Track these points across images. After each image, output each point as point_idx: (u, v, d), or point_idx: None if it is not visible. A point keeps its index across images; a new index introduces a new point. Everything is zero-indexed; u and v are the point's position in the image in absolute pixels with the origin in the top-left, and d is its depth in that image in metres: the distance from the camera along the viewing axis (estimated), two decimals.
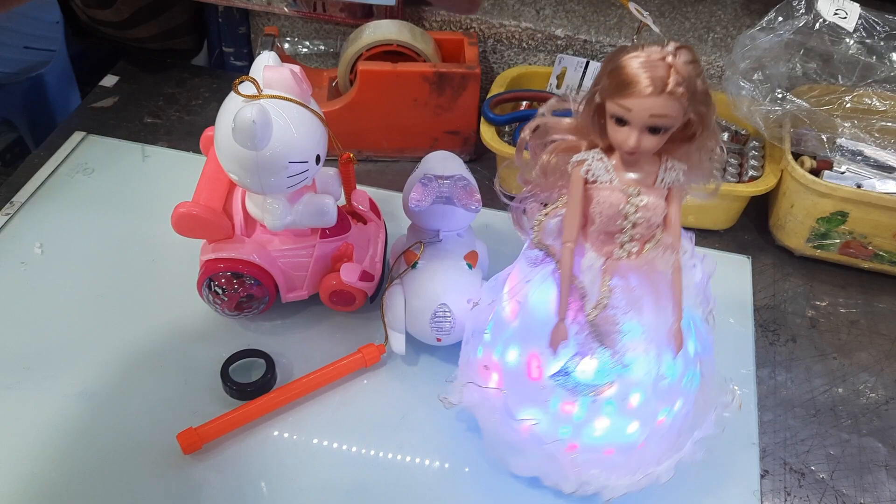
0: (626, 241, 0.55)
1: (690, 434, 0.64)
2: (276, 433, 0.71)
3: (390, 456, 0.70)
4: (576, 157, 0.55)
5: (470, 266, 0.70)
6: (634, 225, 0.54)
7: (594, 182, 0.54)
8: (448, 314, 0.70)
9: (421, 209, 0.67)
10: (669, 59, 0.48)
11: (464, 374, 0.66)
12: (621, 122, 0.51)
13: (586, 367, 0.58)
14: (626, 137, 0.51)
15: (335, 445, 0.70)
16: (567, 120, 0.56)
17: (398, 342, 0.73)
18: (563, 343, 0.57)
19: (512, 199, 0.63)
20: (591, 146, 0.55)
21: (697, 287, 0.59)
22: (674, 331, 0.57)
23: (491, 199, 0.92)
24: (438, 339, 0.72)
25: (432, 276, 0.70)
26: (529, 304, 0.59)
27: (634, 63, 0.48)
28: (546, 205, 0.59)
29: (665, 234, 0.56)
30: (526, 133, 0.58)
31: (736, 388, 0.66)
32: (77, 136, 0.97)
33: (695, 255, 0.59)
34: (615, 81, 0.49)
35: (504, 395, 0.63)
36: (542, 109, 0.57)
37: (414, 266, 0.70)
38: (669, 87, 0.48)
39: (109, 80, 1.06)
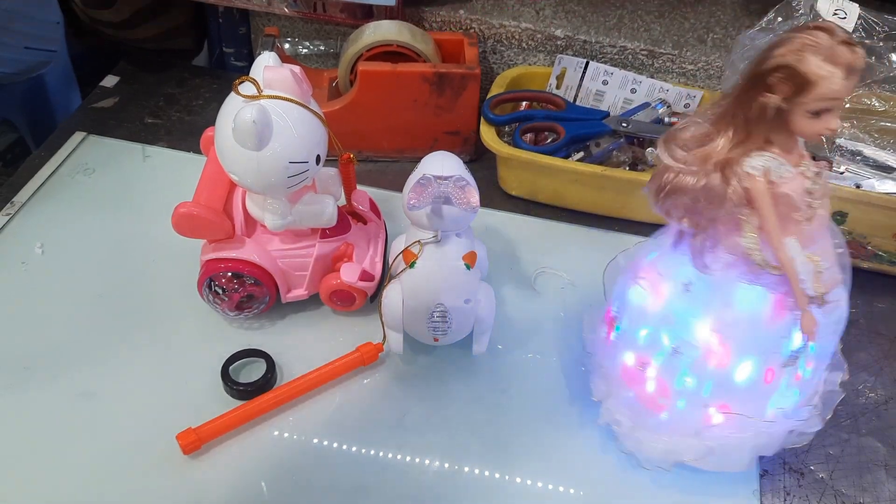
0: (812, 209, 0.57)
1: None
2: (276, 433, 0.71)
3: (390, 456, 0.70)
4: (748, 169, 0.55)
5: (468, 266, 0.70)
6: (813, 192, 0.56)
7: (775, 181, 0.55)
8: (445, 314, 0.70)
9: (418, 209, 0.67)
10: (839, 40, 0.50)
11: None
12: (818, 113, 0.52)
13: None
14: (828, 123, 0.52)
15: (335, 445, 0.70)
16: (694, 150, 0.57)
17: (396, 341, 0.73)
18: (817, 327, 0.58)
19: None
20: (737, 151, 0.55)
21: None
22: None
23: (491, 200, 0.93)
24: (436, 339, 0.72)
25: (430, 276, 0.70)
26: (747, 318, 0.60)
27: (820, 57, 0.50)
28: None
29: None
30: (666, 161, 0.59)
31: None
32: (77, 136, 0.97)
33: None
34: (810, 79, 0.50)
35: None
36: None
37: (412, 266, 0.70)
38: (860, 65, 0.50)
39: (110, 81, 1.06)
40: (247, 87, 0.65)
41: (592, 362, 0.72)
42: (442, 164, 0.69)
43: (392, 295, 0.71)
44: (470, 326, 0.73)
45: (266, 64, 0.66)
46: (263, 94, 0.64)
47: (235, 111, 0.63)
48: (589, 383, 0.72)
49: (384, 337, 0.74)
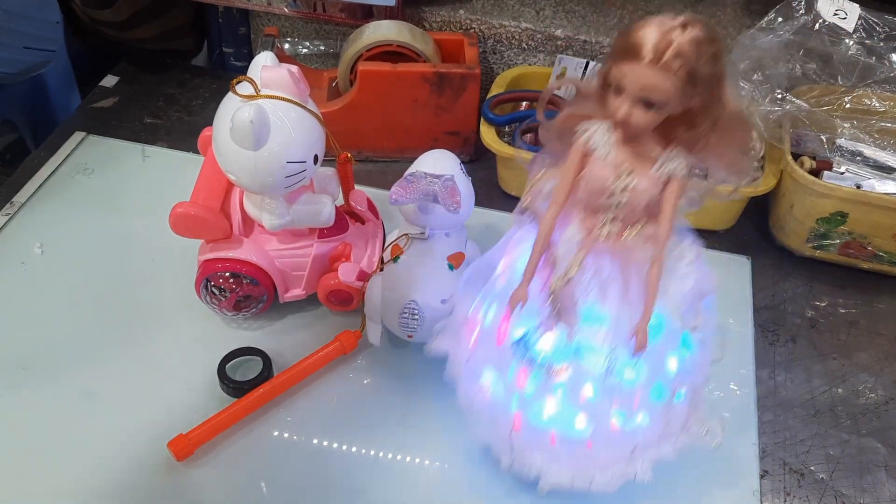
0: (609, 221, 0.53)
1: (645, 452, 0.61)
2: (275, 433, 0.71)
3: (390, 456, 0.70)
4: (584, 125, 0.54)
5: (451, 267, 0.70)
6: (619, 206, 0.52)
7: (593, 152, 0.53)
8: (416, 312, 0.70)
9: (400, 204, 0.67)
10: (676, 31, 0.46)
11: (449, 323, 0.64)
12: (619, 89, 0.49)
13: (546, 343, 0.56)
14: (619, 106, 0.49)
15: (335, 445, 0.70)
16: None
17: (374, 332, 0.73)
18: (520, 305, 0.55)
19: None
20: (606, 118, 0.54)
21: (684, 297, 0.56)
22: (637, 328, 0.53)
23: (491, 200, 0.93)
24: (409, 336, 0.72)
25: (408, 273, 0.70)
26: (516, 266, 0.58)
27: (642, 29, 0.47)
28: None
29: (652, 224, 0.53)
30: (552, 86, 0.56)
31: (719, 425, 0.64)
32: (77, 136, 0.97)
33: (696, 263, 0.57)
34: (620, 44, 0.48)
35: (474, 353, 0.61)
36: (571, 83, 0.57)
37: (395, 260, 0.70)
38: (665, 59, 0.46)
39: (110, 81, 1.07)
40: (244, 87, 0.65)
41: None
42: (435, 163, 0.69)
43: (373, 286, 0.71)
44: None
45: (264, 64, 0.66)
46: (261, 93, 0.64)
47: (233, 111, 0.62)
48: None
49: (362, 325, 0.74)
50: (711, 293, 0.58)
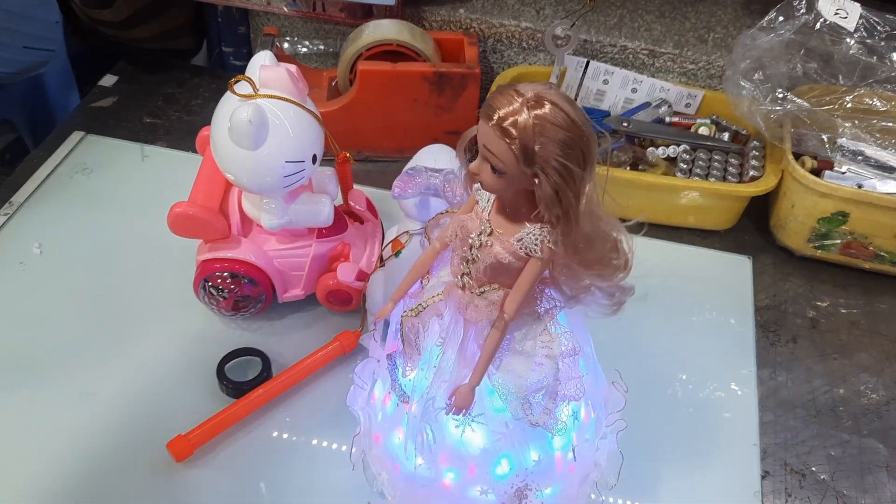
0: (465, 272, 0.53)
1: None
2: (275, 433, 0.71)
3: None
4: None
5: None
6: (473, 261, 0.52)
7: (476, 199, 0.53)
8: None
9: (402, 198, 0.67)
10: (527, 104, 0.45)
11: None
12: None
13: (409, 374, 0.57)
14: (476, 160, 0.49)
15: (335, 446, 0.70)
16: None
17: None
18: (381, 320, 0.58)
19: None
20: None
21: (525, 385, 0.53)
22: (459, 389, 0.52)
23: None
24: None
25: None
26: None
27: (504, 92, 0.46)
28: None
29: (504, 292, 0.52)
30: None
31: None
32: (76, 135, 0.97)
33: (563, 363, 0.54)
34: (486, 102, 0.47)
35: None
36: None
37: (397, 255, 0.70)
38: (503, 125, 0.45)
39: (109, 80, 1.06)
40: (243, 87, 0.64)
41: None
42: (436, 158, 0.69)
43: (375, 283, 0.71)
44: None
45: (262, 63, 0.66)
46: (259, 93, 0.64)
47: (231, 110, 0.62)
48: None
49: (362, 324, 0.74)
50: (573, 400, 0.55)
